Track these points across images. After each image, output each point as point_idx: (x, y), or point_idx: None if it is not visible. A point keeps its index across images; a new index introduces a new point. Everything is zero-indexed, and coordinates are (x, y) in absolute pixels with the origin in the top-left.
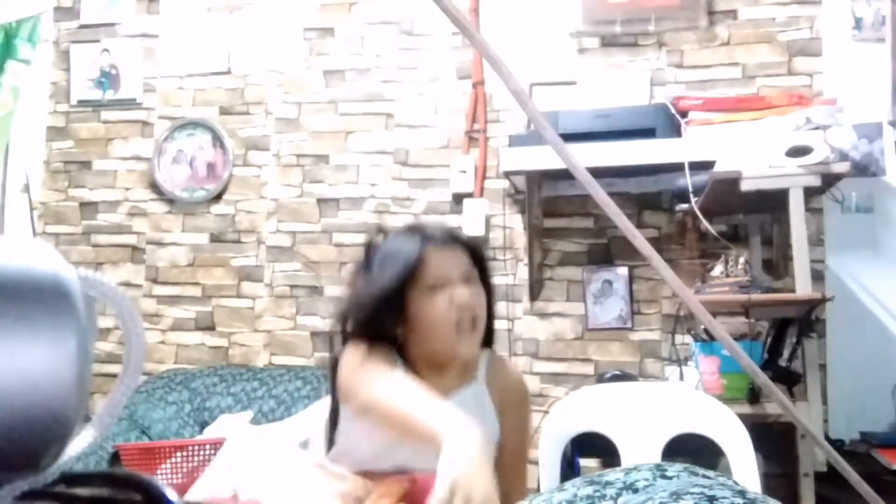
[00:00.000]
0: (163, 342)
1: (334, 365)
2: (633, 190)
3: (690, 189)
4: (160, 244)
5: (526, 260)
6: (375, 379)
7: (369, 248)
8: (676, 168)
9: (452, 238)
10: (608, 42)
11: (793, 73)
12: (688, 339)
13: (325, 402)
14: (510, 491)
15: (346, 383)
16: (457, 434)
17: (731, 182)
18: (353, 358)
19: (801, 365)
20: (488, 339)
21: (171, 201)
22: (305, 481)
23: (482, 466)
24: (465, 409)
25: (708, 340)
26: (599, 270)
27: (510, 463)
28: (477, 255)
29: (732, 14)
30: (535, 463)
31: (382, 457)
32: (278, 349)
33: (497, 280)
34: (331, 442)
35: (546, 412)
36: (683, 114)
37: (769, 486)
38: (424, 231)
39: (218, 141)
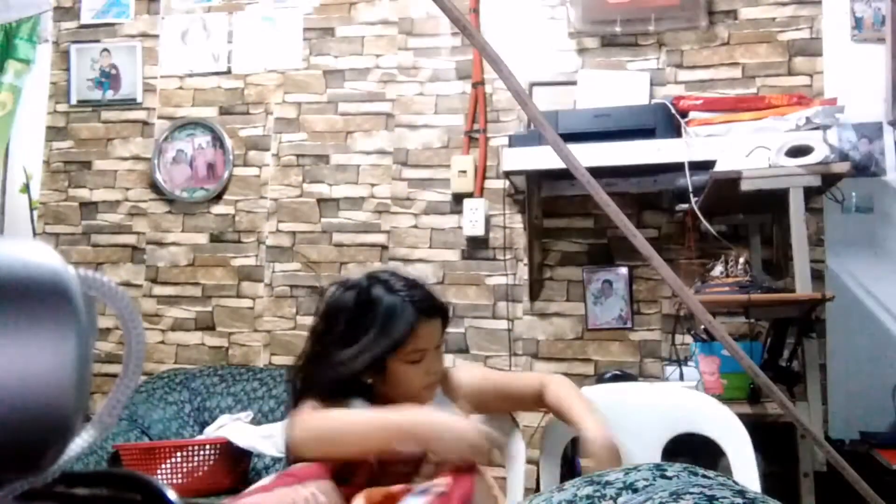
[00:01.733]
0: (163, 342)
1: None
2: (633, 190)
3: (690, 189)
4: (160, 244)
5: (526, 260)
6: (332, 413)
7: (337, 304)
8: (676, 168)
9: (438, 308)
10: (608, 42)
11: (793, 73)
12: (688, 339)
13: None
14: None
15: (302, 433)
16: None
17: (731, 182)
18: (309, 415)
19: (801, 365)
20: None
21: (171, 201)
22: None
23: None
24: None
25: (708, 340)
26: (599, 270)
27: (501, 381)
28: (446, 318)
29: (732, 14)
30: (535, 463)
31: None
32: (278, 349)
33: (497, 280)
34: None
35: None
36: (683, 114)
37: (769, 486)
38: (416, 298)
39: (218, 141)
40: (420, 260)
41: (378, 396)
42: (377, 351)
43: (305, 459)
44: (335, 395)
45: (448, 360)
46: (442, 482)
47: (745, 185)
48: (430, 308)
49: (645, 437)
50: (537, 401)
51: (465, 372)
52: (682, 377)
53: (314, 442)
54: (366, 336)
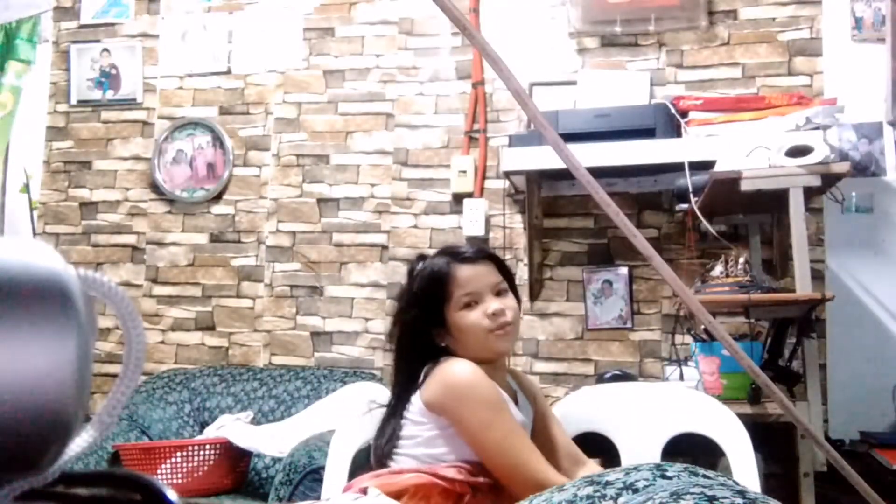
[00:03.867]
0: (163, 342)
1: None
2: (633, 190)
3: (690, 189)
4: (160, 244)
5: (526, 260)
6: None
7: (411, 273)
8: (676, 168)
9: (478, 253)
10: (608, 42)
11: (793, 73)
12: (688, 339)
13: (325, 403)
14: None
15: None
16: None
17: (731, 182)
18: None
19: (801, 365)
20: None
21: (171, 201)
22: None
23: None
24: (516, 395)
25: (708, 340)
26: (599, 270)
27: (554, 433)
28: (503, 267)
29: (732, 14)
30: None
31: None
32: (278, 349)
33: None
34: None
35: None
36: (683, 114)
37: (769, 486)
38: (453, 251)
39: (218, 141)
40: None
41: (458, 354)
42: (427, 305)
43: None
44: (417, 360)
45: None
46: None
47: (745, 185)
48: (465, 254)
49: (645, 437)
50: (559, 464)
51: (538, 389)
52: (682, 377)
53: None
54: (415, 298)
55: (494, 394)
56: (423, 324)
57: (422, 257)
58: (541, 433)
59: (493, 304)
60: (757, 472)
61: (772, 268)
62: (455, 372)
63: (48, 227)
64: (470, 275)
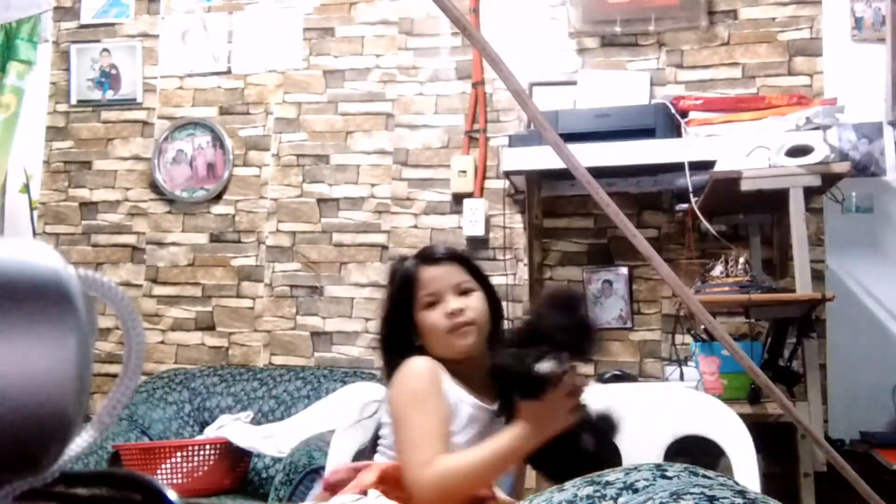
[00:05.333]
0: (163, 342)
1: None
2: (633, 190)
3: (690, 189)
4: (160, 244)
5: (526, 260)
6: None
7: (392, 275)
8: (676, 168)
9: (443, 253)
10: (608, 42)
11: (793, 73)
12: (688, 339)
13: (324, 403)
14: None
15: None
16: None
17: (731, 182)
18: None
19: (801, 365)
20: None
21: (171, 201)
22: None
23: None
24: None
25: (708, 340)
26: (599, 270)
27: None
28: (471, 266)
29: (732, 14)
30: None
31: None
32: (278, 349)
33: (497, 280)
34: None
35: None
36: (683, 114)
37: (769, 486)
38: (423, 252)
39: (218, 141)
40: None
41: (428, 354)
42: (399, 306)
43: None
44: (398, 356)
45: None
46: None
47: (745, 185)
48: (430, 255)
49: (647, 440)
50: None
51: None
52: (682, 377)
53: (452, 490)
54: (391, 300)
55: (423, 388)
56: (399, 324)
57: (402, 259)
58: None
59: (452, 303)
60: (758, 472)
61: (772, 268)
62: (401, 370)
63: (48, 227)
64: (433, 275)
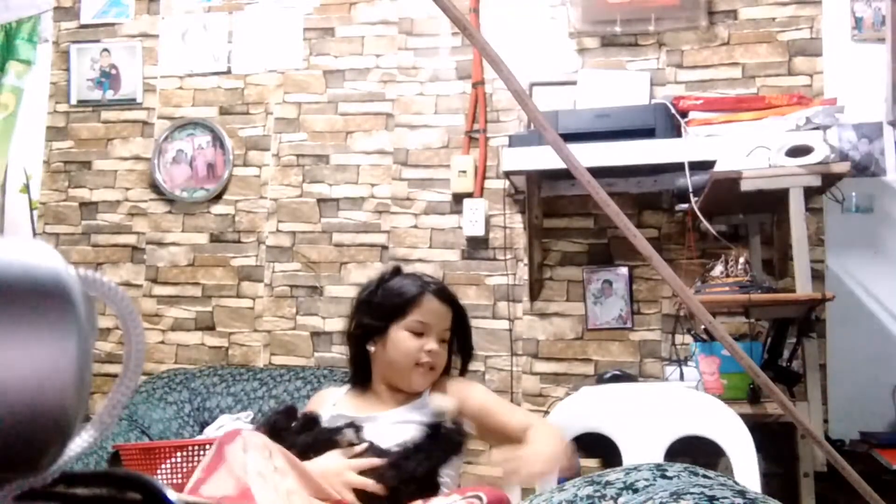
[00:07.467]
0: (163, 342)
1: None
2: (633, 190)
3: (690, 189)
4: (160, 244)
5: (526, 260)
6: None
7: (382, 277)
8: (676, 168)
9: (449, 297)
10: (608, 42)
11: (793, 73)
12: (688, 339)
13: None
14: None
15: None
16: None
17: (731, 182)
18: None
19: (801, 365)
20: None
21: (171, 201)
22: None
23: None
24: (386, 425)
25: (708, 340)
26: (599, 270)
27: (501, 420)
28: (462, 322)
29: (732, 14)
30: None
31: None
32: (278, 349)
33: (497, 280)
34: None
35: (546, 412)
36: (683, 114)
37: (769, 486)
38: (429, 279)
39: (218, 141)
40: (420, 260)
41: (375, 365)
42: (381, 313)
43: None
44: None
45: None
46: (472, 493)
47: (745, 185)
48: (438, 289)
49: (647, 440)
50: (520, 440)
51: (470, 391)
52: (682, 377)
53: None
54: (378, 301)
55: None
56: (368, 327)
57: (397, 271)
58: (489, 426)
59: (433, 344)
60: (758, 472)
61: (772, 268)
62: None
63: (48, 227)
64: (433, 308)
